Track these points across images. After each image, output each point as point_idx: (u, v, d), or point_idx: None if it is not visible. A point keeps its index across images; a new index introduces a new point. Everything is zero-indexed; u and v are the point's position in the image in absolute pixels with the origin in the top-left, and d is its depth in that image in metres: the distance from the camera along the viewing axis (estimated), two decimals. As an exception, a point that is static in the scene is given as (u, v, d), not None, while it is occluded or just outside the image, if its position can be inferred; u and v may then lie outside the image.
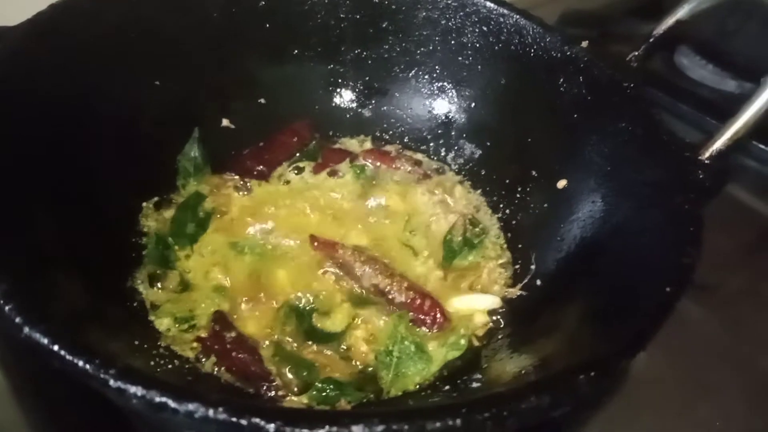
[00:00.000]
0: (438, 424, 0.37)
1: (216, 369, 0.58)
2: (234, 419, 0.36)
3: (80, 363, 0.38)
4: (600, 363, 0.42)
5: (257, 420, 0.36)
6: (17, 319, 0.39)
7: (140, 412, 0.39)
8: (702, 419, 0.64)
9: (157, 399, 0.36)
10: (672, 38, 1.00)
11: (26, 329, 0.39)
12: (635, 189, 0.61)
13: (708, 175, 0.58)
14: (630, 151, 0.64)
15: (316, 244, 0.69)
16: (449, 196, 0.77)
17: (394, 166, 0.80)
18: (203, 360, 0.59)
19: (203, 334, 0.60)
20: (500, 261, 0.72)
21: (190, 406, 0.36)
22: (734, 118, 0.59)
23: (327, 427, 0.36)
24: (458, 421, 0.37)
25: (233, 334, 0.60)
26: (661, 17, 0.98)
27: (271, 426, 0.36)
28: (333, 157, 0.80)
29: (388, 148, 0.83)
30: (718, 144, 0.59)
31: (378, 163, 0.80)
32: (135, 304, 0.62)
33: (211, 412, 0.36)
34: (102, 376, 0.37)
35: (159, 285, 0.64)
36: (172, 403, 0.36)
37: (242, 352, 0.58)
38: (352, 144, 0.83)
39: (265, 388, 0.57)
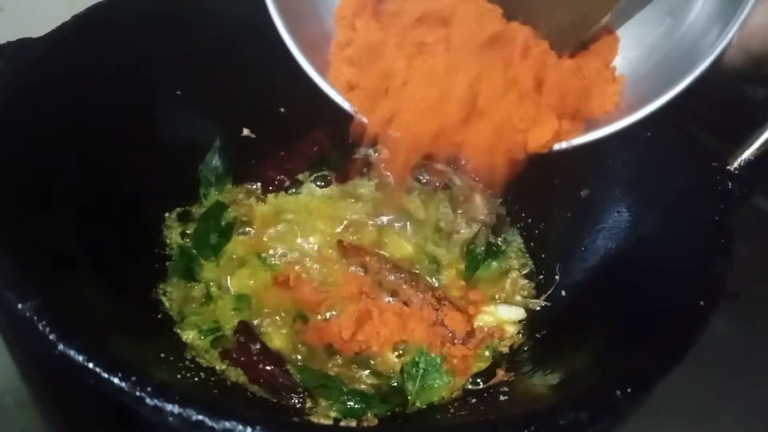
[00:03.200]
0: (476, 442, 0.37)
1: (243, 381, 0.58)
2: (271, 437, 0.36)
3: (116, 380, 0.38)
4: (637, 378, 0.42)
5: (294, 438, 0.36)
6: (51, 336, 0.39)
7: (173, 429, 0.39)
8: (724, 428, 0.64)
9: (194, 417, 0.36)
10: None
11: (60, 345, 0.39)
12: (661, 199, 0.61)
13: (736, 185, 0.58)
14: (655, 160, 0.63)
15: (343, 249, 0.69)
16: (470, 206, 0.76)
17: (413, 174, 0.79)
18: (229, 372, 0.58)
19: (229, 346, 0.60)
20: (523, 271, 0.72)
21: (227, 424, 0.36)
22: (764, 126, 0.58)
23: (362, 445, 0.36)
24: (496, 439, 0.37)
25: (258, 346, 0.60)
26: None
27: (308, 444, 0.36)
28: (353, 166, 0.79)
29: (407, 156, 0.83)
30: (747, 153, 0.59)
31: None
32: (160, 316, 0.62)
33: (248, 430, 0.36)
34: (138, 393, 0.37)
35: (184, 297, 0.64)
36: (209, 421, 0.36)
37: (269, 364, 0.58)
38: (371, 153, 0.82)
39: (293, 400, 0.57)
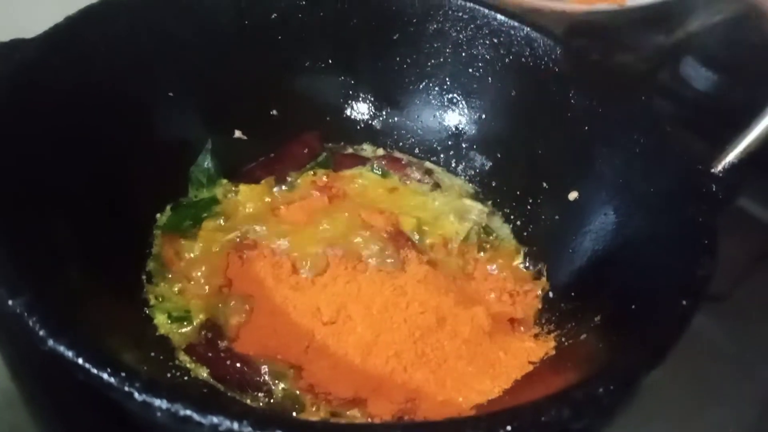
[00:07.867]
0: (460, 438, 0.37)
1: (209, 378, 0.57)
2: (259, 432, 0.36)
3: (105, 376, 0.38)
4: (620, 375, 0.42)
5: (282, 433, 0.36)
6: (41, 332, 0.40)
7: (162, 426, 0.39)
8: (714, 425, 0.64)
9: (182, 412, 0.37)
10: (678, 49, 1.01)
11: (50, 342, 0.39)
12: (647, 201, 0.62)
13: (720, 187, 0.59)
14: (642, 163, 0.64)
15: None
16: (461, 206, 0.77)
17: (405, 173, 0.80)
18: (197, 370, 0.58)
19: (195, 341, 0.60)
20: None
21: (215, 419, 0.36)
22: (747, 130, 0.59)
23: (351, 439, 0.37)
24: (480, 435, 0.37)
25: (225, 343, 0.60)
26: (666, 27, 0.98)
27: (297, 439, 0.36)
28: (345, 162, 0.80)
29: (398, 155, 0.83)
30: (731, 156, 0.60)
31: (390, 169, 0.80)
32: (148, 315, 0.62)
33: (236, 425, 0.36)
34: (127, 389, 0.37)
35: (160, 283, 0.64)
36: (196, 417, 0.37)
37: (237, 361, 0.58)
38: (363, 153, 0.83)
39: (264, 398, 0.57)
